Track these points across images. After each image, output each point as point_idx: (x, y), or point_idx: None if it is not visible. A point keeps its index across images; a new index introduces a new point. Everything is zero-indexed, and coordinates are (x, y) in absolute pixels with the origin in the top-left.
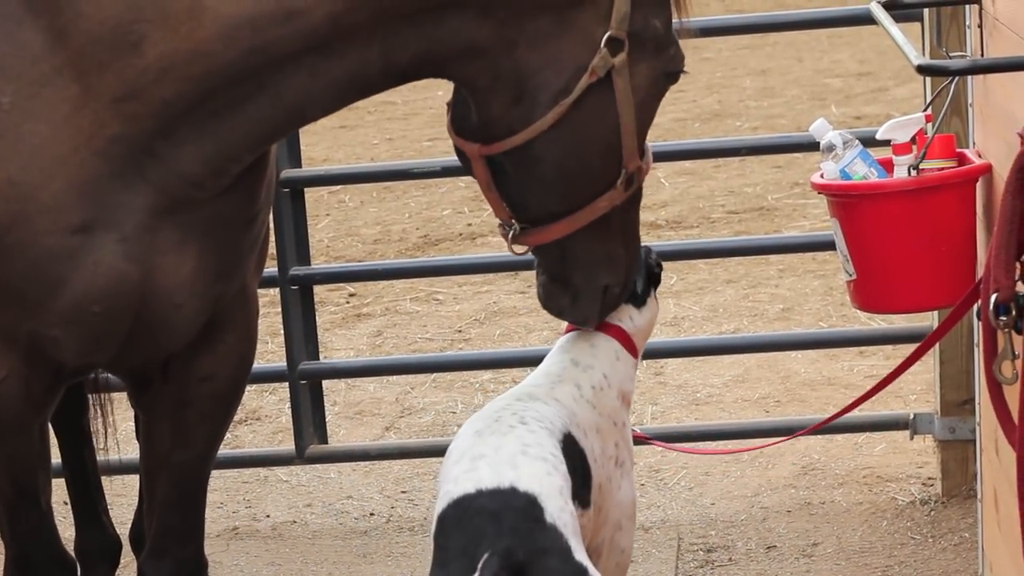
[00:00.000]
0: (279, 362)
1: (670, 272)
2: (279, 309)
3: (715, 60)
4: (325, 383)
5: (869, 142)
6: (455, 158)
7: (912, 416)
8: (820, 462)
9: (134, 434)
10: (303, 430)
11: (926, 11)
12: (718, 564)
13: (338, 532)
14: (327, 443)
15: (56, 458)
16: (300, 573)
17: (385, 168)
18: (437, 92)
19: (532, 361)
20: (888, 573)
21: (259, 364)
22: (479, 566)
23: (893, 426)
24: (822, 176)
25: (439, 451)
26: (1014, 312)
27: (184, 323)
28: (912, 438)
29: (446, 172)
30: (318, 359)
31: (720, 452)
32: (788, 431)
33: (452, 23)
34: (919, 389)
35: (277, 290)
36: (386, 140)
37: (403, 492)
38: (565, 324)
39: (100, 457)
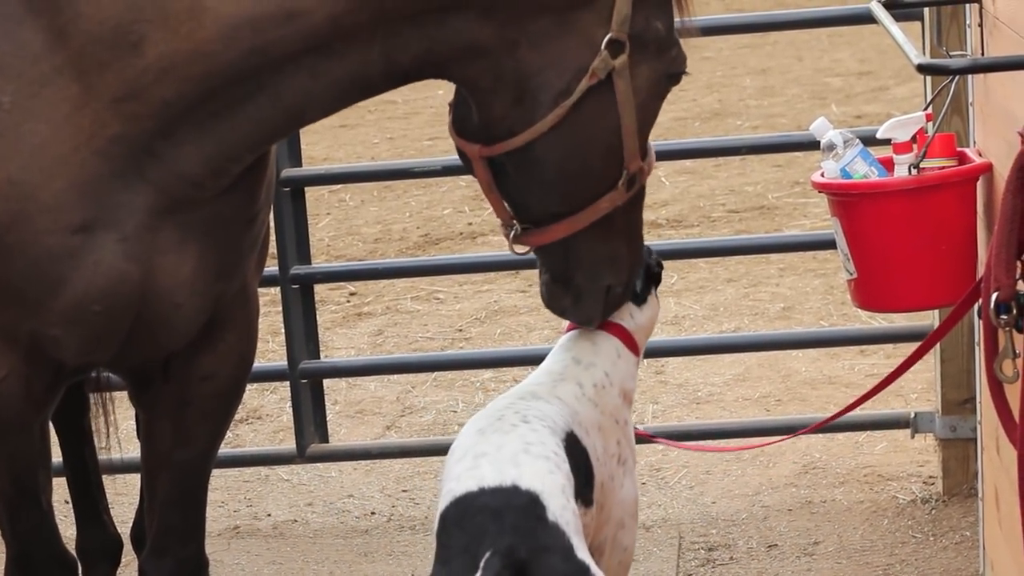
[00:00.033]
0: (280, 361)
1: (671, 271)
2: (280, 308)
3: (715, 59)
4: (326, 382)
5: (870, 141)
6: (456, 157)
7: (913, 415)
8: (821, 461)
9: (135, 433)
10: (304, 429)
11: (926, 10)
12: (719, 563)
13: (339, 531)
14: (328, 442)
15: (57, 457)
16: (301, 572)
17: (386, 167)
18: (438, 91)
19: (533, 360)
20: (889, 572)
21: (260, 363)
22: (481, 564)
23: (894, 425)
24: (823, 175)
25: (440, 450)
26: (1015, 311)
27: (184, 322)
28: (913, 437)
29: (447, 171)
30: (319, 358)
31: (722, 450)
32: (789, 430)
33: (454, 24)
34: (920, 388)
35: (278, 289)
36: (387, 139)
37: (404, 491)
38: (566, 323)
39: (101, 456)
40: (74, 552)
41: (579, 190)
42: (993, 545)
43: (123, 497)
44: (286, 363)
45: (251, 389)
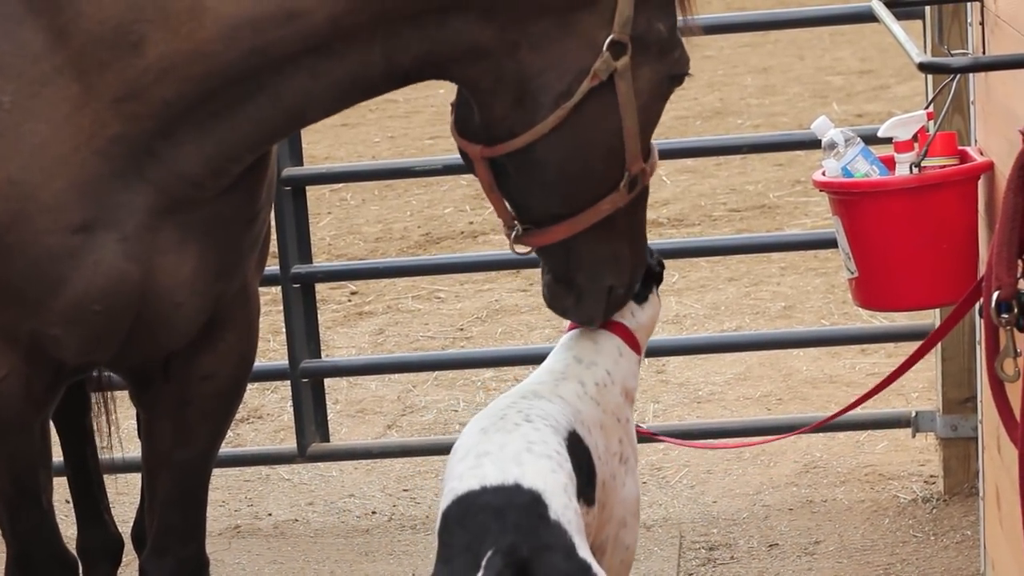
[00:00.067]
0: (281, 360)
1: (672, 270)
2: (281, 307)
3: (717, 58)
4: (327, 381)
5: (871, 140)
6: (457, 156)
7: (914, 414)
8: (822, 460)
9: (136, 432)
10: (305, 428)
11: (928, 8)
12: (720, 562)
13: (340, 530)
14: (329, 441)
15: (58, 456)
16: (302, 571)
17: (387, 166)
18: (439, 90)
19: (534, 359)
20: (890, 571)
21: (261, 362)
22: (483, 563)
23: (895, 424)
24: (824, 174)
25: (441, 449)
26: (1016, 310)
27: (185, 322)
28: (914, 436)
29: (448, 170)
30: (320, 357)
31: (723, 446)
32: (790, 429)
33: (454, 25)
34: (921, 387)
35: (279, 288)
36: (388, 138)
37: (405, 490)
38: (568, 322)
39: (102, 455)
40: (75, 552)
41: (580, 191)
42: (994, 544)
43: (124, 496)
44: (287, 362)
45: (252, 388)
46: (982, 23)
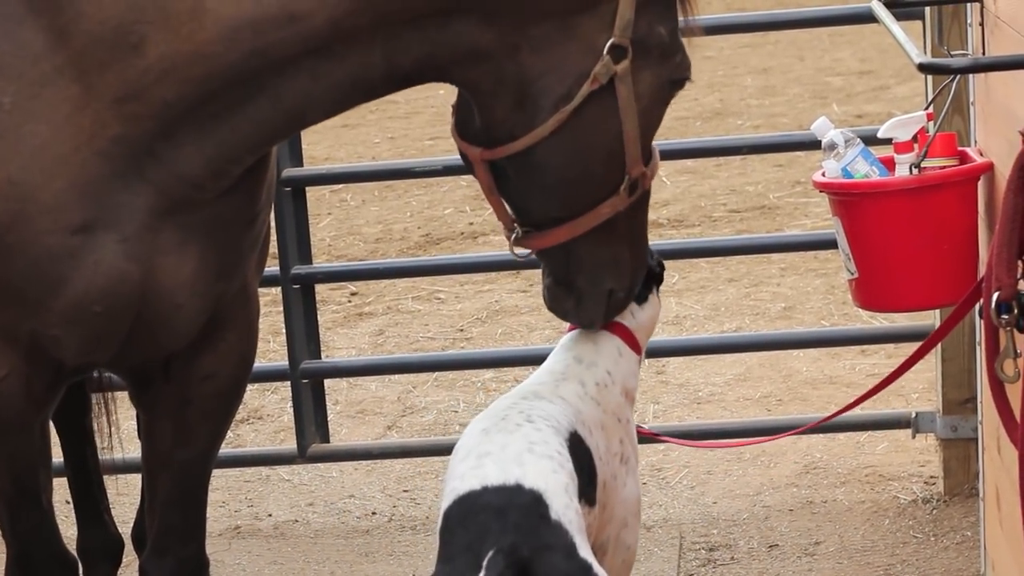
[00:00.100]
0: (281, 361)
1: (672, 271)
2: (281, 308)
3: (716, 58)
4: (327, 382)
5: (871, 140)
6: (457, 157)
7: (914, 415)
8: (822, 461)
9: (136, 433)
10: (305, 429)
11: (927, 9)
12: (720, 563)
13: (340, 531)
14: (329, 442)
15: (58, 456)
16: (302, 572)
17: (387, 167)
18: (439, 91)
19: (534, 360)
20: (890, 572)
21: (261, 363)
22: (484, 562)
23: (895, 425)
24: (824, 174)
25: (441, 450)
26: (1016, 310)
27: (185, 323)
28: (914, 437)
29: (448, 171)
30: (320, 358)
31: (724, 445)
32: (790, 430)
33: (455, 28)
34: (921, 388)
35: (279, 289)
36: (388, 139)
37: (405, 491)
38: (567, 323)
39: (102, 455)
40: (75, 552)
41: (580, 195)
42: (994, 545)
43: (124, 497)
44: (287, 363)
45: (252, 389)
46: (982, 24)
